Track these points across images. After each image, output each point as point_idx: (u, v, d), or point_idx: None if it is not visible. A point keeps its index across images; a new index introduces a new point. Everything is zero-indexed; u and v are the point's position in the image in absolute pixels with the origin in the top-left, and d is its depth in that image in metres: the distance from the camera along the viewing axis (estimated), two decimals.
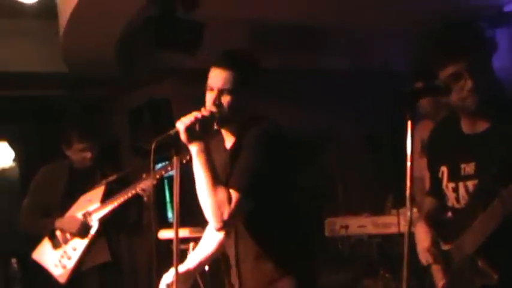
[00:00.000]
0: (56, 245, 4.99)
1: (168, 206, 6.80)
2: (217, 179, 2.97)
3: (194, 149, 2.98)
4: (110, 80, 6.86)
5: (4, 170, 6.77)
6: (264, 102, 3.22)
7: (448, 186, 2.96)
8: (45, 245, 5.03)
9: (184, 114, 3.02)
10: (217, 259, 4.35)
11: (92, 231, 4.92)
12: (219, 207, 2.91)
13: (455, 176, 2.92)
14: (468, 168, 2.87)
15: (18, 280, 5.75)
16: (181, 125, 2.96)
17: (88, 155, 5.07)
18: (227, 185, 2.96)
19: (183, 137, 2.96)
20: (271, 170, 2.99)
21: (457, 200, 2.93)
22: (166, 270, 3.26)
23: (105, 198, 4.89)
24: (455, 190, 2.92)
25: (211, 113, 3.02)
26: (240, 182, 2.94)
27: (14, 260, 5.77)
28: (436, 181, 3.07)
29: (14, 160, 6.73)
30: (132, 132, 6.95)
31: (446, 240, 2.97)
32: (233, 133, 3.14)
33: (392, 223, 4.93)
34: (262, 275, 3.08)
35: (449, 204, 2.99)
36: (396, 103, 2.94)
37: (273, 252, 3.08)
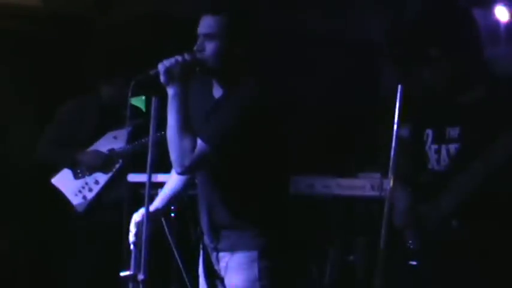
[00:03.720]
0: (77, 175, 5.08)
1: None
2: (188, 125, 3.03)
3: (171, 91, 3.03)
4: (85, 20, 6.77)
5: None
6: None
7: (431, 148, 3.05)
8: (67, 173, 5.12)
9: (159, 59, 3.05)
10: (185, 204, 4.44)
11: (115, 168, 5.03)
12: (182, 153, 2.99)
13: (440, 139, 3.01)
14: (453, 132, 2.96)
15: None
16: (162, 66, 3.01)
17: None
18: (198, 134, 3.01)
19: (162, 78, 3.01)
20: (247, 132, 3.02)
21: (438, 162, 3.02)
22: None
23: (131, 139, 4.96)
24: (438, 152, 3.02)
25: (194, 58, 3.05)
26: (209, 134, 2.99)
27: None
28: (417, 146, 3.15)
29: None
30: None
31: (424, 202, 3.04)
32: (223, 85, 3.16)
33: (357, 186, 5.01)
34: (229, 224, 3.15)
35: (430, 166, 3.07)
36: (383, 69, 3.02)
37: (243, 205, 3.14)
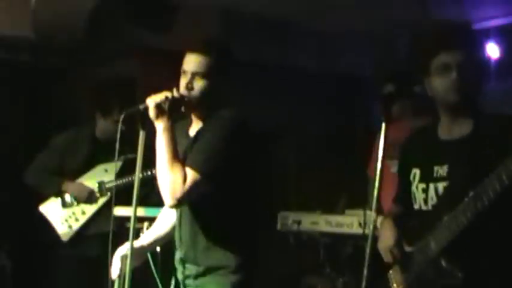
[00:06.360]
0: (65, 204, 5.14)
1: None
2: (177, 158, 3.05)
3: (160, 126, 3.07)
4: (76, 51, 6.80)
5: None
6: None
7: (418, 187, 3.01)
8: (55, 202, 5.17)
9: (149, 93, 3.10)
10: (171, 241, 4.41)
11: (103, 201, 5.11)
12: (174, 185, 2.99)
13: (427, 178, 2.97)
14: (441, 170, 2.92)
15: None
16: (151, 101, 3.06)
17: (122, 128, 5.05)
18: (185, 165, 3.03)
19: (151, 113, 3.06)
20: (230, 158, 3.06)
21: (426, 201, 2.97)
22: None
23: (121, 173, 4.96)
24: (425, 191, 2.97)
25: (182, 95, 3.11)
26: (196, 162, 3.02)
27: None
28: (404, 185, 3.12)
29: None
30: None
31: (411, 243, 3.01)
32: (201, 119, 3.21)
33: (345, 223, 4.99)
34: (205, 259, 3.16)
35: (417, 207, 3.03)
36: (372, 105, 3.02)
37: (219, 240, 3.15)
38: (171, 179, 3.00)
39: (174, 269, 3.35)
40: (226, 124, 3.09)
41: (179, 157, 3.07)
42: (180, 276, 3.28)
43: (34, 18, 6.08)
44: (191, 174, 2.99)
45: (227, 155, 3.05)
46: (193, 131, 3.24)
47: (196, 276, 3.19)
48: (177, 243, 3.30)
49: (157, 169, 3.07)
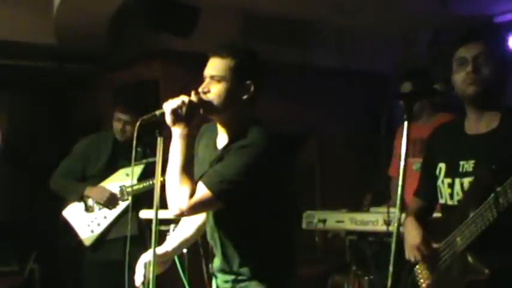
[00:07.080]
0: (88, 209, 5.20)
1: None
2: (189, 169, 3.00)
3: (176, 131, 2.99)
4: (98, 56, 6.87)
5: None
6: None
7: (444, 182, 2.99)
8: (78, 206, 5.23)
9: (171, 96, 3.02)
10: (197, 243, 4.42)
11: (124, 205, 5.16)
12: (180, 196, 2.93)
13: (453, 172, 2.95)
14: (467, 165, 2.90)
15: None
16: (167, 106, 2.98)
17: (128, 128, 5.19)
18: (200, 179, 2.97)
19: (167, 118, 2.97)
20: (252, 185, 2.96)
21: (451, 196, 2.95)
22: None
23: (142, 177, 5.07)
24: (451, 186, 2.95)
25: (200, 99, 3.02)
26: (210, 181, 2.94)
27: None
28: (428, 180, 3.10)
29: None
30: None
31: (436, 238, 2.99)
32: (228, 133, 3.11)
33: (370, 221, 4.96)
34: (239, 269, 3.09)
35: (442, 201, 3.01)
36: (392, 104, 3.01)
37: (251, 250, 3.08)
38: (179, 189, 2.94)
39: (215, 275, 3.25)
40: (254, 153, 2.95)
41: (190, 167, 3.01)
42: (219, 282, 3.21)
43: (56, 26, 6.15)
44: (202, 191, 2.92)
45: (248, 183, 2.95)
46: (220, 143, 3.14)
47: (234, 282, 3.12)
48: (215, 251, 3.23)
49: (168, 174, 2.99)
